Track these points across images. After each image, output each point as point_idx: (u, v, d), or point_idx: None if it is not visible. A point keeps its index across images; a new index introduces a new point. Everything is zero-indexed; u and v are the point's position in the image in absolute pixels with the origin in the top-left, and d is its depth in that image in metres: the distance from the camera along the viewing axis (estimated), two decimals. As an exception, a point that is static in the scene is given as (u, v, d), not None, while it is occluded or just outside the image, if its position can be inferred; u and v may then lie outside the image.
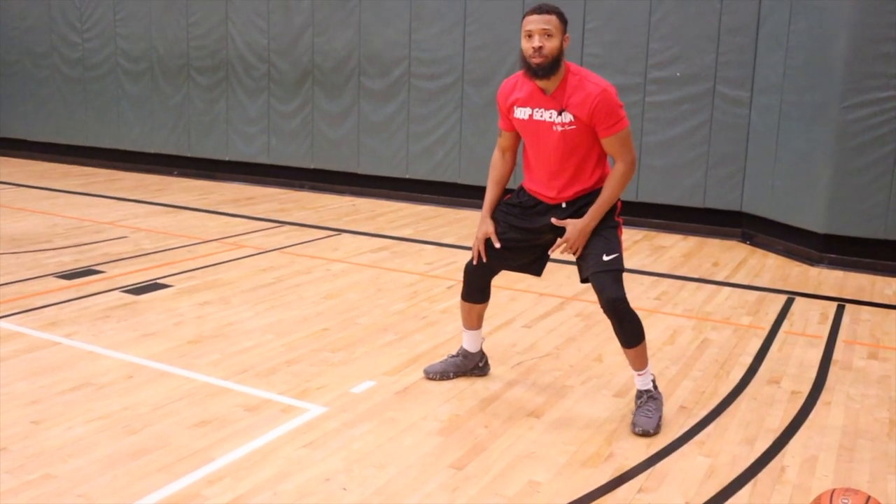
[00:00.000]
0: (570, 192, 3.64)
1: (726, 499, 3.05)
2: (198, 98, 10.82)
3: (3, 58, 12.47)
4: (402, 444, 3.39)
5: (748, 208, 7.75)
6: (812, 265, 6.87)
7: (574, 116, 3.48)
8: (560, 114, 3.50)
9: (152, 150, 11.36)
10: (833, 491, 2.57)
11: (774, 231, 7.41)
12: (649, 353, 3.82)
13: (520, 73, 3.60)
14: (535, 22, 3.42)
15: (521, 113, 3.61)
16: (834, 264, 6.82)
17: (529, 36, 3.43)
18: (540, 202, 3.71)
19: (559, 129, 3.51)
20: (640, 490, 3.08)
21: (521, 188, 3.80)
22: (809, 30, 6.89)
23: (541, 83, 3.51)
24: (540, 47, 3.40)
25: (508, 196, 3.85)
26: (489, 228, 3.76)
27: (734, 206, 7.87)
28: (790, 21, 7.07)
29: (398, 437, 3.45)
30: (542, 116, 3.55)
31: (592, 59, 8.11)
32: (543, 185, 3.68)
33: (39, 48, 12.05)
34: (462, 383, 4.05)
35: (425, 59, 9.15)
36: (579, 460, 3.30)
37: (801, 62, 6.99)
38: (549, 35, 3.41)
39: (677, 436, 3.54)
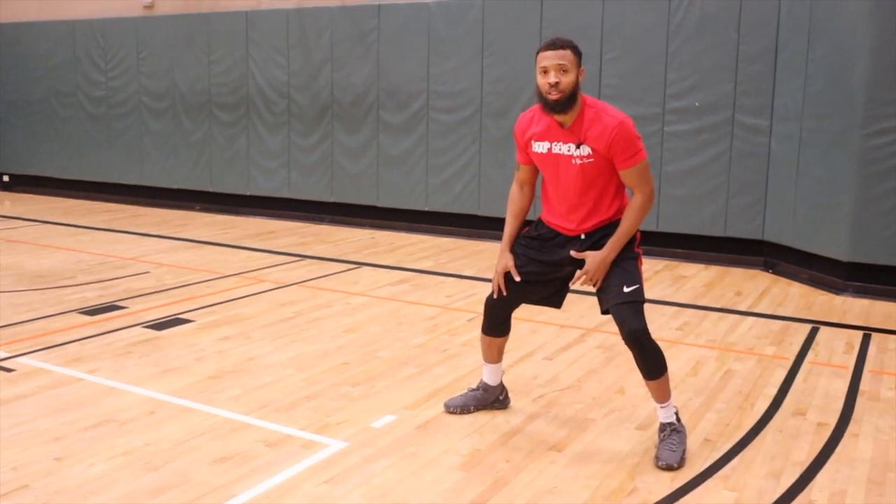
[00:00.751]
0: (589, 224, 3.63)
1: (753, 534, 3.00)
2: (219, 134, 10.96)
3: (29, 96, 12.72)
4: (424, 479, 3.37)
5: (770, 237, 7.70)
6: (836, 293, 6.79)
7: (592, 149, 3.49)
8: (578, 147, 3.51)
9: (175, 186, 11.49)
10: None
11: (797, 259, 7.34)
12: (672, 384, 3.78)
13: (536, 106, 3.61)
14: (549, 58, 3.43)
15: (540, 147, 3.62)
16: (859, 292, 6.74)
17: (545, 72, 3.44)
18: (559, 234, 3.70)
19: (577, 162, 3.52)
20: (664, 526, 3.04)
21: (540, 221, 3.80)
22: (828, 56, 6.87)
23: (558, 117, 3.51)
24: (556, 83, 3.40)
25: (527, 229, 3.85)
26: (509, 262, 3.75)
27: (756, 235, 7.82)
28: (808, 48, 7.06)
29: (419, 473, 3.42)
30: (560, 150, 3.55)
31: (610, 90, 8.14)
32: (562, 218, 3.68)
33: (65, 87, 12.28)
34: (483, 417, 4.03)
35: (443, 93, 9.23)
36: (602, 495, 3.26)
37: (820, 89, 6.96)
38: (564, 70, 3.42)
39: (702, 469, 3.49)
